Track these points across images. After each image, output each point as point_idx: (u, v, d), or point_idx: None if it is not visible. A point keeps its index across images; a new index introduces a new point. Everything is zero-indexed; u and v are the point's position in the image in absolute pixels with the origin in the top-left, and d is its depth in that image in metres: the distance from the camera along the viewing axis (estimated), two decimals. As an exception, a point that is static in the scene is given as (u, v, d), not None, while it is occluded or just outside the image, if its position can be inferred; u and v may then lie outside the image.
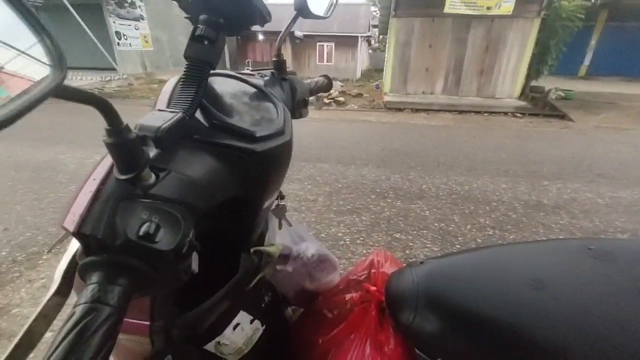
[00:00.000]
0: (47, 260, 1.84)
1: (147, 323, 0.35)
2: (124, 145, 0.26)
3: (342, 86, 9.81)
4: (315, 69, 15.42)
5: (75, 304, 0.23)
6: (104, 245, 0.26)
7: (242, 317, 0.52)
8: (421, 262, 0.57)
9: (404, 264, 0.65)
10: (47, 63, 0.19)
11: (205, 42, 0.35)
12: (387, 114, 7.07)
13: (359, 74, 15.51)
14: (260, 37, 14.79)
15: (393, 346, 0.55)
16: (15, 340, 0.29)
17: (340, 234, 2.12)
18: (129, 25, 11.69)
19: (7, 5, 0.18)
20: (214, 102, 0.40)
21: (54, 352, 0.21)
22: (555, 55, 7.68)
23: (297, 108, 0.61)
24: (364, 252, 1.94)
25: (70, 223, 0.26)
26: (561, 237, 2.13)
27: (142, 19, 12.05)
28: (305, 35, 14.62)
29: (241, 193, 0.40)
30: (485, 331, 0.42)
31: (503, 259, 0.51)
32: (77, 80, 9.84)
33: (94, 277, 0.25)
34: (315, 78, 0.73)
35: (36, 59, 0.19)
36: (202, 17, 0.36)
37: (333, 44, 15.11)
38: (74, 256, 0.34)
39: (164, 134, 0.29)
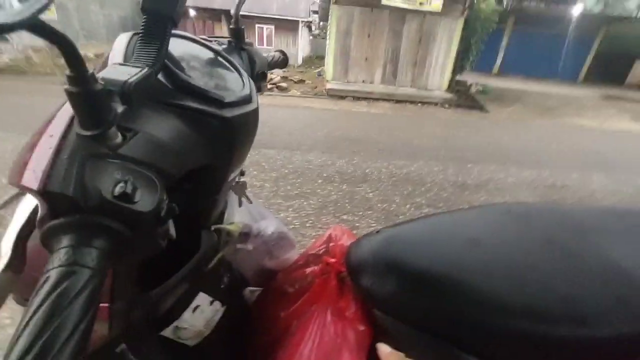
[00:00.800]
0: None
1: (107, 305, 0.32)
2: (89, 96, 0.23)
3: (284, 71, 9.63)
4: (255, 52, 14.72)
5: (46, 268, 0.20)
6: (75, 205, 0.23)
7: (202, 298, 0.50)
8: (377, 232, 0.61)
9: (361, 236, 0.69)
10: None
11: None
12: (330, 101, 7.19)
13: (300, 60, 15.33)
14: (192, 13, 13.55)
15: (354, 310, 0.59)
16: None
17: (289, 218, 2.14)
18: (24, -17, 9.62)
19: None
20: (175, 64, 0.36)
21: (30, 318, 0.18)
22: (475, 52, 8.63)
23: (257, 81, 0.59)
24: (314, 234, 1.99)
25: (32, 180, 0.23)
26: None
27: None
28: (242, 16, 13.70)
29: (208, 162, 0.38)
30: (434, 285, 0.48)
31: (444, 223, 0.58)
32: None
33: (65, 240, 0.22)
34: (272, 53, 0.71)
35: None
36: None
37: (273, 27, 14.60)
38: (26, 224, 0.28)
39: (131, 89, 0.25)
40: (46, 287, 0.19)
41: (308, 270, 0.69)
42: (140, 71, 0.27)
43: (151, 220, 0.25)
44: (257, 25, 14.47)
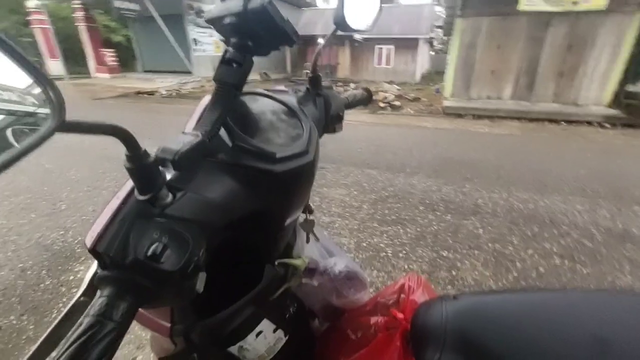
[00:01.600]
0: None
1: (168, 325, 0.38)
2: (142, 169, 0.29)
3: (398, 90, 9.52)
4: (373, 71, 15.21)
5: (84, 314, 0.26)
6: (115, 262, 0.28)
7: (265, 325, 0.53)
8: (454, 297, 0.52)
9: (437, 295, 0.61)
10: (47, 106, 0.22)
11: (234, 65, 0.37)
12: (445, 119, 6.67)
13: (418, 77, 14.90)
14: (320, 41, 15.11)
15: (418, 383, 0.52)
16: (42, 337, 0.33)
17: (382, 245, 2.06)
18: (204, 32, 12.89)
19: (3, 53, 0.20)
20: (241, 122, 0.42)
21: (58, 358, 0.23)
22: (662, 55, 6.45)
23: (331, 123, 0.61)
24: (406, 267, 1.85)
25: (89, 240, 0.29)
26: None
27: (216, 26, 13.13)
28: (364, 39, 14.53)
29: (260, 210, 0.41)
30: None
31: (557, 306, 0.43)
32: (159, 82, 11.18)
33: (105, 291, 0.27)
34: (354, 91, 0.72)
35: (36, 105, 0.22)
36: (232, 40, 0.38)
37: (393, 47, 14.75)
38: None
39: (180, 158, 0.30)
40: (76, 333, 0.24)
41: (373, 319, 0.66)
42: (193, 140, 0.32)
43: (176, 278, 0.29)
44: (376, 46, 14.94)
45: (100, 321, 0.25)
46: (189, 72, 12.02)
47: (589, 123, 6.16)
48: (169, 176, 0.32)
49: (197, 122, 0.38)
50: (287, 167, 0.41)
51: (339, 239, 2.10)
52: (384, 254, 1.97)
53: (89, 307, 0.26)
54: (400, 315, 0.59)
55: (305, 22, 15.80)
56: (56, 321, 0.33)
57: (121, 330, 0.26)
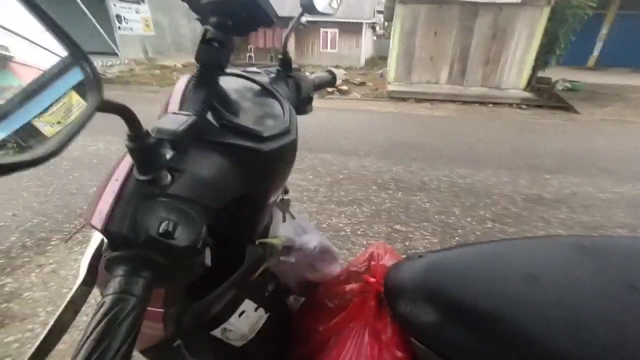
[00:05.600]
0: (56, 247, 1.89)
1: (162, 311, 0.38)
2: (144, 148, 0.28)
3: (345, 74, 9.67)
4: (318, 55, 15.16)
5: (104, 294, 0.25)
6: (128, 241, 0.28)
7: (247, 305, 0.54)
8: (419, 256, 0.59)
9: (403, 257, 0.68)
10: (85, 87, 0.21)
11: (215, 44, 0.36)
12: (391, 103, 7.01)
13: (362, 62, 15.25)
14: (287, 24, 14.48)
15: (390, 335, 0.58)
16: (48, 326, 0.31)
17: (341, 225, 2.16)
18: (130, 8, 11.44)
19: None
20: (223, 102, 0.41)
21: (87, 339, 0.23)
22: (563, 45, 7.50)
23: (302, 105, 0.62)
24: (365, 242, 1.97)
25: (98, 221, 0.29)
26: (559, 232, 2.15)
27: (143, 1, 11.76)
28: (308, 21, 14.27)
29: (248, 191, 0.42)
30: (476, 322, 0.45)
31: (497, 254, 0.53)
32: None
33: (120, 270, 0.27)
34: (319, 73, 0.74)
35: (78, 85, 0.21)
36: (212, 19, 0.37)
37: (337, 31, 14.80)
38: (97, 249, 0.36)
39: (180, 137, 0.30)
40: (101, 312, 0.24)
41: (348, 287, 0.70)
42: (188, 120, 0.32)
43: (189, 253, 0.30)
44: (321, 29, 14.83)
45: (123, 297, 0.25)
46: (114, 54, 10.66)
47: (510, 105, 6.99)
48: (167, 156, 0.31)
49: (180, 103, 0.37)
50: (273, 146, 0.41)
51: (300, 222, 2.14)
52: (344, 233, 2.07)
53: (107, 287, 0.26)
54: (372, 280, 0.65)
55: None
56: (59, 311, 0.31)
57: (143, 304, 0.26)
